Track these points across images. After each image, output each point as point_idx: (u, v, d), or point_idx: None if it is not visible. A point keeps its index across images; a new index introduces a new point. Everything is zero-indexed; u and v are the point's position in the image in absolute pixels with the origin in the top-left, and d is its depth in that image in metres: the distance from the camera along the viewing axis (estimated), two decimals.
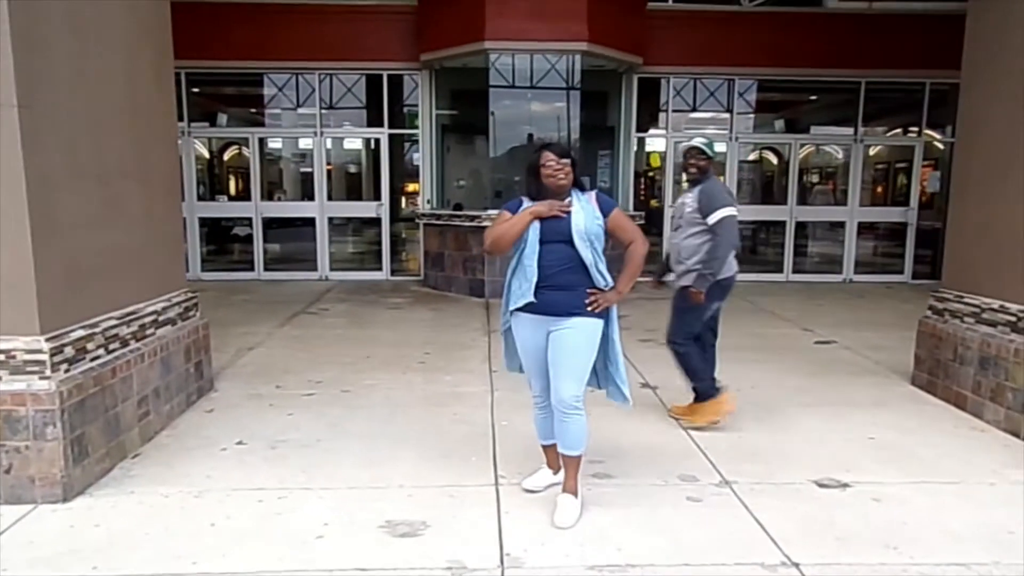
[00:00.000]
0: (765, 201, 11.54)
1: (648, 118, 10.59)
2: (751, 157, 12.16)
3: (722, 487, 3.29)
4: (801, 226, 10.79)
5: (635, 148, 10.13)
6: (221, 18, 9.21)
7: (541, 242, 2.87)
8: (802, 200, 10.73)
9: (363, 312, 7.71)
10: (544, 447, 3.26)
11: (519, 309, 2.95)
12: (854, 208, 10.36)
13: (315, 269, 10.21)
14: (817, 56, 9.77)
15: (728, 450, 3.73)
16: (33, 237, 2.97)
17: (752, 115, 11.04)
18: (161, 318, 4.07)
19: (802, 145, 10.94)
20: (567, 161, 2.94)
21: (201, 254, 10.27)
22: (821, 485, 3.32)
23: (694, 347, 4.14)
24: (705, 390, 4.10)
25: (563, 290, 2.89)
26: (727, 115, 10.44)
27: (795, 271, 10.46)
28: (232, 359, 5.49)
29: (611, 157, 10.29)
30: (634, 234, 3.06)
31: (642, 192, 13.23)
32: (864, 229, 10.62)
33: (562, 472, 3.10)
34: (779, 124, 12.41)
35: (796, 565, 2.60)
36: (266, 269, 10.25)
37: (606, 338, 3.03)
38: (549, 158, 2.93)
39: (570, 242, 2.87)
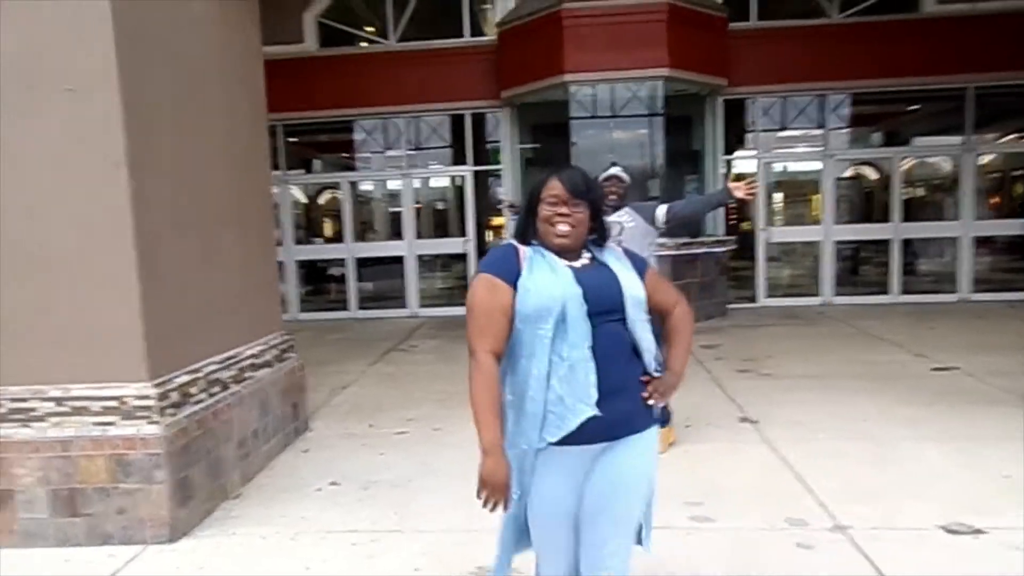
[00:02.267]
0: (866, 219, 10.94)
1: (735, 140, 10.31)
2: (848, 174, 11.60)
3: (835, 532, 3.04)
4: (908, 243, 10.15)
5: (723, 171, 9.83)
6: (311, 71, 9.68)
7: (589, 316, 1.80)
8: (907, 216, 10.10)
9: (452, 348, 7.76)
10: None
11: (559, 442, 1.79)
12: (967, 221, 9.63)
13: (405, 306, 10.41)
14: (916, 64, 9.24)
15: (839, 490, 3.45)
16: (141, 288, 3.14)
17: (847, 130, 10.56)
18: (259, 361, 4.21)
19: (903, 158, 10.33)
20: (579, 205, 1.86)
21: (299, 295, 10.69)
22: (950, 531, 3.01)
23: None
24: (667, 417, 4.01)
25: (622, 394, 1.83)
26: (819, 131, 9.99)
27: (904, 291, 9.80)
28: (327, 398, 5.63)
29: (698, 181, 10.05)
30: (677, 295, 2.07)
31: (731, 216, 12.85)
32: (980, 244, 9.87)
33: None
34: (877, 137, 11.81)
35: None
36: (360, 307, 10.54)
37: None
38: (553, 190, 1.87)
39: (622, 317, 1.86)
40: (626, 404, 1.83)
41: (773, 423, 4.54)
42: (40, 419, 3.18)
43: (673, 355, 2.01)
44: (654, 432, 1.92)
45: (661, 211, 4.06)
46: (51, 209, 3.12)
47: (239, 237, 4.15)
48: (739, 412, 4.85)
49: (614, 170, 4.15)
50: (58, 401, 3.18)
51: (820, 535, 3.02)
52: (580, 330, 1.78)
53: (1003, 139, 10.59)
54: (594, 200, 1.92)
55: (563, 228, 1.85)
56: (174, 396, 3.31)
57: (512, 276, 1.83)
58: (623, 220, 4.00)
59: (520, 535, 1.96)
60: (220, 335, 3.85)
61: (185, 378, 3.43)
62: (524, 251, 1.88)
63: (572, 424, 1.77)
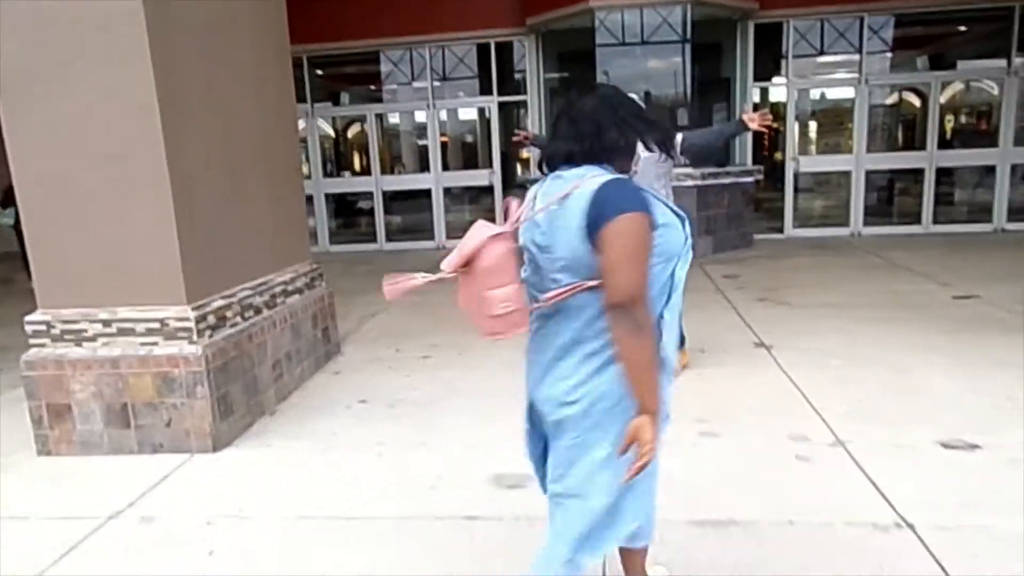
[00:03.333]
0: (905, 148, 10.63)
1: (772, 66, 10.01)
2: (890, 101, 11.22)
3: (835, 447, 3.18)
4: (946, 173, 9.91)
5: (753, 100, 9.62)
6: (336, 2, 9.61)
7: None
8: (944, 144, 9.81)
9: None
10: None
11: None
12: (1007, 149, 9.35)
13: (432, 238, 10.58)
14: None
15: (846, 412, 3.58)
16: (177, 219, 3.32)
17: (889, 54, 10.17)
18: (290, 288, 4.42)
19: (944, 84, 9.96)
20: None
21: (329, 228, 10.91)
22: (947, 447, 3.13)
23: None
24: (681, 341, 4.11)
25: None
26: (854, 57, 9.66)
27: (937, 222, 9.64)
28: (356, 325, 5.87)
29: (727, 110, 9.86)
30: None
31: (765, 146, 12.61)
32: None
33: None
34: (922, 62, 11.34)
35: (911, 526, 2.50)
36: (388, 240, 10.74)
37: None
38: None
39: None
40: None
41: (787, 349, 4.65)
42: (91, 339, 3.44)
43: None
44: None
45: (675, 142, 4.01)
46: (90, 149, 3.29)
47: (267, 173, 4.30)
48: (754, 338, 4.96)
49: None
50: (105, 323, 3.43)
51: (819, 449, 3.17)
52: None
53: None
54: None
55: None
56: (211, 319, 3.54)
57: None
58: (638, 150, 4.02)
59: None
60: (252, 264, 4.06)
61: (220, 302, 3.65)
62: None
63: (670, 375, 1.70)
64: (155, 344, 3.42)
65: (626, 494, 1.72)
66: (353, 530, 2.68)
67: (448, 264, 1.67)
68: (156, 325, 3.40)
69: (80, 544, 2.67)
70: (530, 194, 1.75)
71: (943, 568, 2.26)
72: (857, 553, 2.37)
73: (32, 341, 3.49)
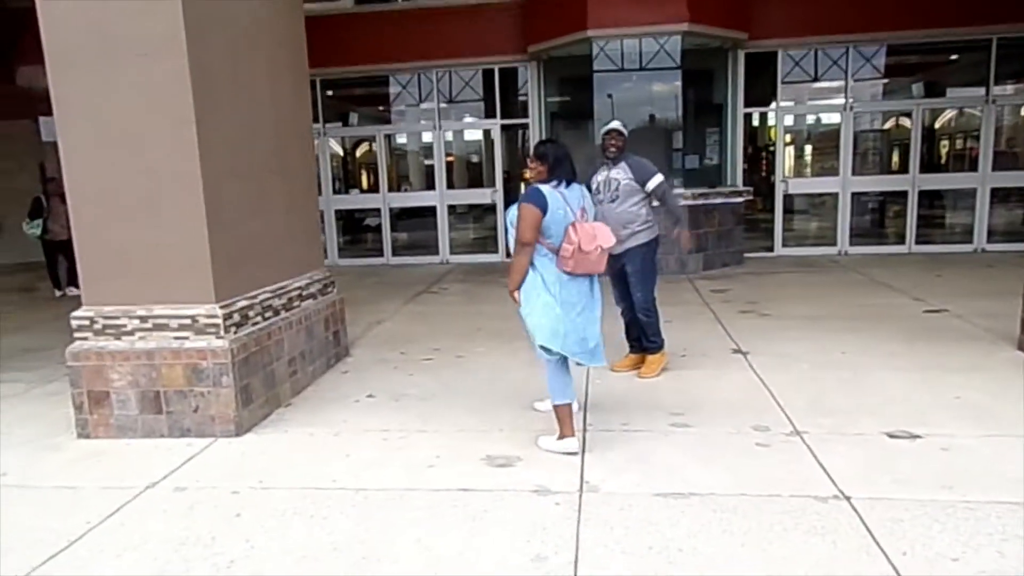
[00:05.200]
0: (899, 171, 11.02)
1: (770, 91, 10.46)
2: (887, 126, 11.61)
3: (792, 436, 3.56)
4: (931, 196, 10.34)
5: (742, 124, 10.10)
6: (348, 27, 10.15)
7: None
8: (938, 168, 10.24)
9: (478, 291, 8.36)
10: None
11: None
12: (985, 174, 9.78)
13: (437, 253, 11.02)
14: (943, 15, 9.29)
15: (806, 407, 3.96)
16: (208, 226, 3.75)
17: (882, 81, 10.62)
18: (305, 292, 4.84)
19: (935, 111, 10.38)
20: (535, 160, 3.43)
21: (338, 243, 11.37)
22: (891, 436, 3.51)
23: (656, 308, 4.69)
24: (660, 345, 4.70)
25: None
26: (839, 84, 10.14)
27: (919, 242, 10.05)
28: (364, 331, 6.28)
29: (719, 134, 10.32)
30: (520, 234, 3.33)
31: (763, 168, 13.06)
32: (1005, 196, 10.01)
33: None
34: (916, 89, 11.75)
35: (848, 498, 2.88)
36: (394, 255, 11.19)
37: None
38: (529, 157, 3.54)
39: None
40: None
41: (761, 354, 5.03)
42: (129, 333, 3.85)
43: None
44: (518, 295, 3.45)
45: (653, 183, 4.50)
46: (132, 161, 3.73)
47: (285, 184, 4.73)
48: (733, 345, 5.35)
49: (613, 124, 4.60)
50: (142, 319, 3.85)
51: (778, 438, 3.55)
52: None
53: None
54: (544, 158, 3.41)
55: (530, 173, 3.49)
56: (236, 317, 3.95)
57: None
58: (619, 177, 4.52)
59: None
60: (272, 269, 4.47)
61: (244, 303, 4.06)
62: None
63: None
64: (186, 338, 3.83)
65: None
66: (362, 498, 3.06)
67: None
68: (188, 321, 3.82)
69: (124, 507, 3.07)
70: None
71: (868, 529, 2.63)
72: (796, 518, 2.74)
73: (76, 335, 3.90)
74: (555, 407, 3.47)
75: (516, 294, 3.44)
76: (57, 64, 3.68)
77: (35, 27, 3.67)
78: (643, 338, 4.71)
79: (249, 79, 4.31)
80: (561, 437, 3.46)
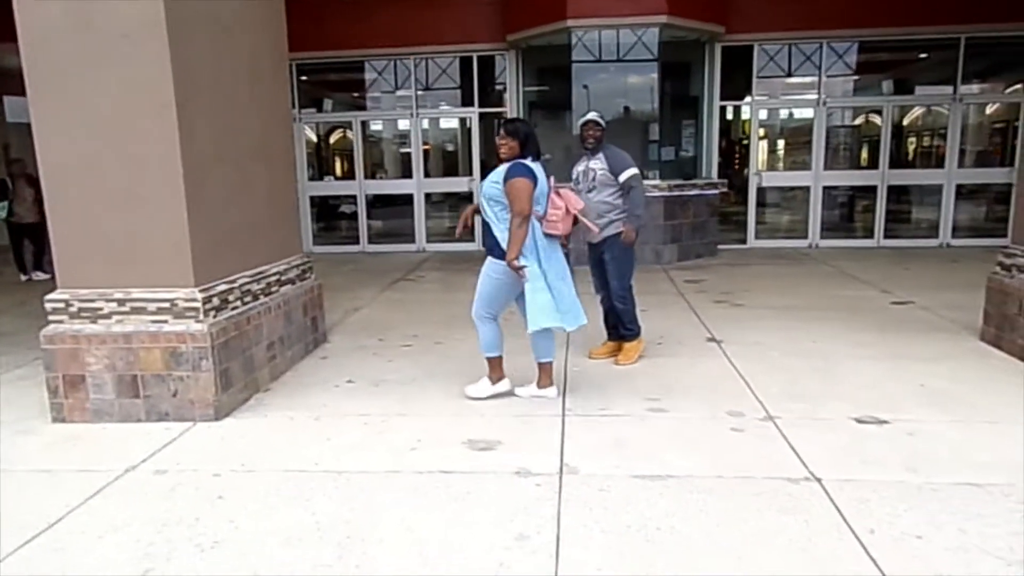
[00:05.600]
0: (869, 167, 11.26)
1: (743, 85, 10.60)
2: (857, 121, 11.83)
3: (765, 421, 3.66)
4: (899, 191, 10.59)
5: (718, 117, 10.23)
6: (324, 10, 10.03)
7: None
8: (905, 164, 10.49)
9: (455, 279, 8.38)
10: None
11: None
12: (951, 170, 10.06)
13: (413, 241, 11.00)
14: (914, 13, 9.50)
15: (778, 393, 4.07)
16: (188, 210, 3.72)
17: (853, 78, 10.81)
18: (283, 278, 4.82)
19: (903, 108, 10.61)
20: (507, 136, 3.76)
21: (312, 230, 11.28)
22: (860, 421, 3.62)
23: (632, 296, 4.73)
24: (637, 332, 4.78)
25: (486, 238, 3.91)
26: (812, 79, 10.31)
27: (888, 237, 10.30)
28: (342, 318, 6.27)
29: (695, 126, 10.43)
30: (515, 207, 3.67)
31: (736, 160, 13.24)
32: (971, 193, 10.29)
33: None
34: (886, 86, 11.99)
35: (818, 480, 2.97)
36: (370, 242, 11.15)
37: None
38: (498, 134, 3.82)
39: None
40: (486, 241, 3.89)
41: (735, 343, 5.14)
42: (106, 317, 3.81)
43: (508, 246, 3.72)
44: (489, 260, 3.86)
45: (625, 175, 4.57)
46: (112, 144, 3.67)
47: (265, 169, 4.70)
48: (707, 334, 5.46)
49: (591, 115, 4.66)
50: (120, 302, 3.81)
51: (752, 423, 3.64)
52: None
53: (995, 91, 10.82)
54: (516, 135, 3.78)
55: (502, 149, 3.79)
56: (215, 301, 3.93)
57: None
58: (596, 167, 4.61)
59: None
60: (251, 253, 4.45)
61: (223, 287, 4.04)
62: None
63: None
64: (165, 322, 3.80)
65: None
66: (345, 480, 3.08)
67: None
68: (166, 305, 3.79)
69: (103, 490, 3.05)
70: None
71: (838, 508, 2.73)
72: (769, 498, 2.83)
73: (51, 318, 3.85)
74: (547, 363, 4.06)
75: (517, 262, 3.68)
76: (31, 43, 3.61)
77: (4, 4, 3.59)
78: (620, 326, 4.77)
79: (230, 63, 4.26)
80: (546, 385, 4.05)
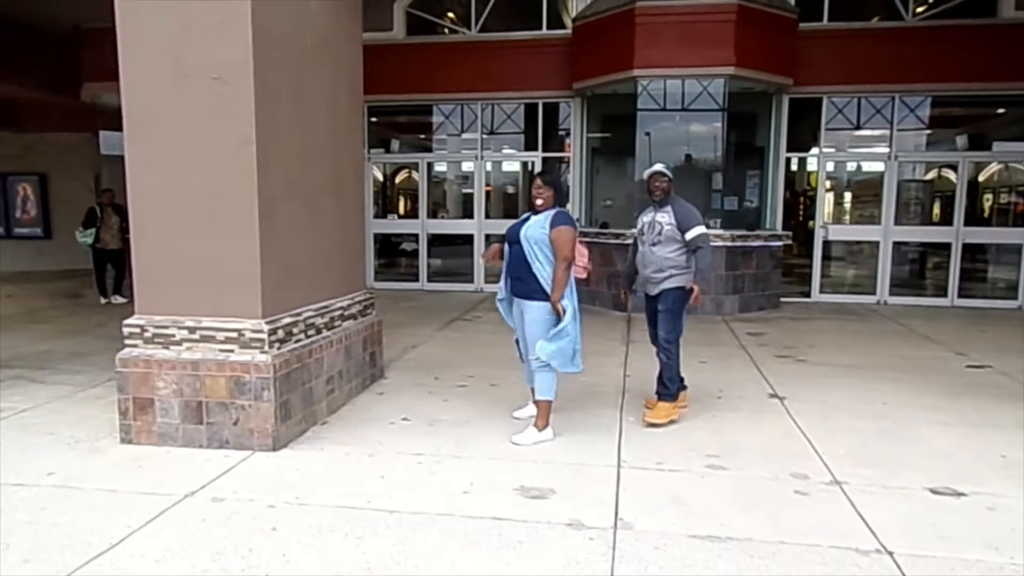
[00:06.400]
0: (942, 223, 10.87)
1: (810, 136, 10.47)
2: (929, 176, 11.51)
3: (831, 486, 3.50)
4: (975, 250, 10.19)
5: (784, 168, 10.10)
6: (397, 57, 10.38)
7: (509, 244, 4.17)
8: (973, 221, 10.10)
9: None
10: (530, 388, 4.34)
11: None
12: None
13: (472, 281, 11.10)
14: (991, 69, 9.26)
15: (845, 456, 3.89)
16: (261, 243, 3.85)
17: (926, 132, 10.55)
18: (346, 313, 4.91)
19: (979, 164, 10.26)
20: (545, 187, 4.03)
21: (374, 266, 11.51)
22: (935, 492, 3.43)
23: (677, 352, 4.51)
24: (678, 390, 4.54)
25: (519, 281, 4.12)
26: (884, 133, 10.07)
27: (962, 296, 9.86)
28: (399, 354, 6.33)
29: (760, 177, 10.30)
30: (563, 254, 3.95)
31: (801, 212, 12.99)
32: None
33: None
34: (960, 141, 11.64)
35: (890, 553, 2.81)
36: (429, 280, 11.30)
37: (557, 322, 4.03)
38: (536, 183, 4.08)
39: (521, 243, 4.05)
40: (518, 284, 4.10)
41: (798, 400, 4.97)
42: (177, 343, 3.95)
43: (552, 289, 3.98)
44: (533, 304, 4.04)
45: (692, 232, 4.39)
46: (194, 177, 3.86)
47: (336, 205, 4.84)
48: (769, 390, 5.29)
49: (658, 167, 4.58)
50: (191, 330, 3.95)
51: (817, 486, 3.49)
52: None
53: None
54: (554, 185, 4.09)
55: (538, 199, 4.05)
56: (280, 333, 4.03)
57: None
58: (663, 221, 4.47)
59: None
60: (317, 287, 4.56)
61: (289, 320, 4.15)
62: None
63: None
64: (231, 351, 3.91)
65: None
66: (397, 520, 3.08)
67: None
68: (234, 335, 3.91)
69: (163, 513, 3.12)
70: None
71: None
72: (836, 569, 2.69)
73: (127, 342, 4.01)
74: (549, 403, 4.14)
75: (561, 304, 3.98)
76: (132, 85, 3.85)
77: (102, 46, 3.85)
78: (659, 381, 4.55)
79: (309, 101, 4.44)
80: (543, 427, 4.13)
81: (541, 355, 3.99)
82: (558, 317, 3.98)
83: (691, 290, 4.43)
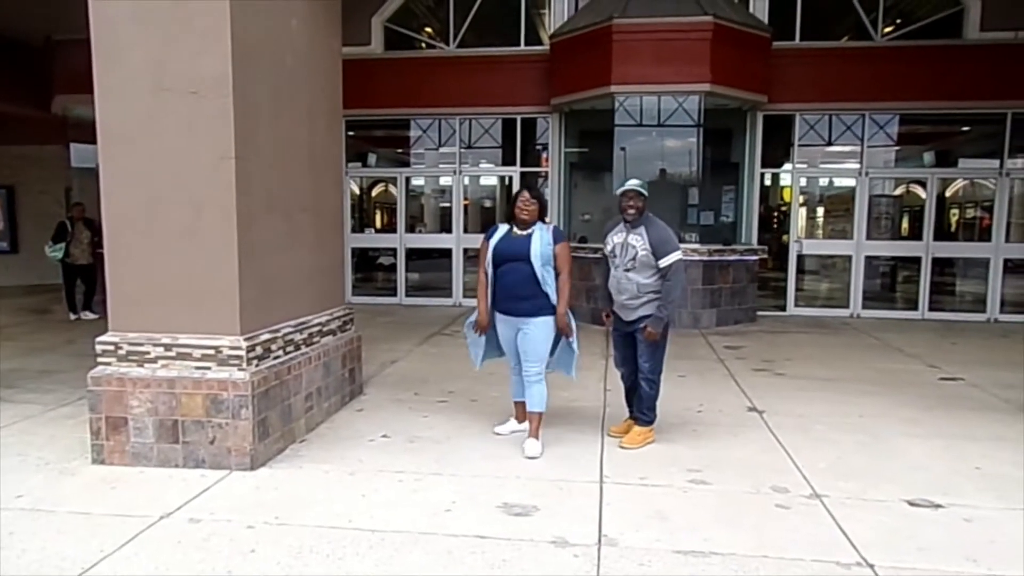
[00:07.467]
0: (910, 237, 11.09)
1: (783, 152, 10.64)
2: (897, 191, 11.75)
3: (812, 499, 3.52)
4: (944, 263, 10.41)
5: (759, 184, 10.25)
6: (374, 71, 10.38)
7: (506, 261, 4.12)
8: (949, 236, 10.35)
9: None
10: (515, 402, 4.51)
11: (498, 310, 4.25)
12: (999, 244, 9.85)
13: (450, 296, 11.07)
14: (957, 88, 9.51)
15: (825, 469, 3.93)
16: (239, 259, 3.80)
17: (895, 148, 10.78)
18: (325, 329, 4.86)
19: (945, 180, 10.52)
20: (533, 201, 4.08)
21: (351, 280, 11.42)
22: (913, 504, 3.47)
23: (659, 382, 4.40)
24: (651, 420, 4.38)
25: (524, 299, 4.11)
26: (855, 149, 10.29)
27: (933, 309, 10.06)
28: (378, 370, 6.28)
29: (735, 192, 10.44)
30: (568, 267, 4.14)
31: (775, 226, 13.17)
32: (1018, 267, 10.05)
33: (526, 423, 4.32)
34: (928, 158, 11.90)
35: (871, 566, 2.83)
36: (407, 295, 11.24)
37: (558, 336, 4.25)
38: (523, 196, 4.09)
39: (528, 261, 4.04)
40: (523, 304, 4.09)
41: (777, 414, 5.01)
42: (152, 361, 3.88)
43: (558, 301, 4.11)
44: (540, 319, 4.10)
45: (666, 260, 4.14)
46: (171, 192, 3.80)
47: (315, 221, 4.80)
48: (748, 403, 5.32)
49: (632, 183, 4.27)
50: (167, 347, 3.87)
51: (797, 500, 3.51)
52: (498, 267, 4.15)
53: None
54: (541, 201, 4.13)
55: (524, 214, 4.09)
56: (259, 350, 3.97)
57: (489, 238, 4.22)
58: (637, 245, 4.22)
59: (485, 351, 4.47)
60: (296, 303, 4.51)
61: (267, 336, 4.09)
62: (502, 227, 4.23)
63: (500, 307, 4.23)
64: (208, 368, 3.85)
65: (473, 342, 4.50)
66: (379, 539, 3.03)
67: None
68: (211, 352, 3.84)
69: (138, 536, 3.04)
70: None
71: None
72: None
73: (100, 359, 3.92)
74: (542, 414, 4.25)
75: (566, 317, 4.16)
76: (108, 95, 3.80)
77: (76, 58, 3.78)
78: (638, 408, 4.43)
79: (289, 116, 4.42)
80: (537, 437, 4.20)
81: (573, 371, 4.37)
82: (563, 330, 4.17)
83: (668, 322, 4.27)
